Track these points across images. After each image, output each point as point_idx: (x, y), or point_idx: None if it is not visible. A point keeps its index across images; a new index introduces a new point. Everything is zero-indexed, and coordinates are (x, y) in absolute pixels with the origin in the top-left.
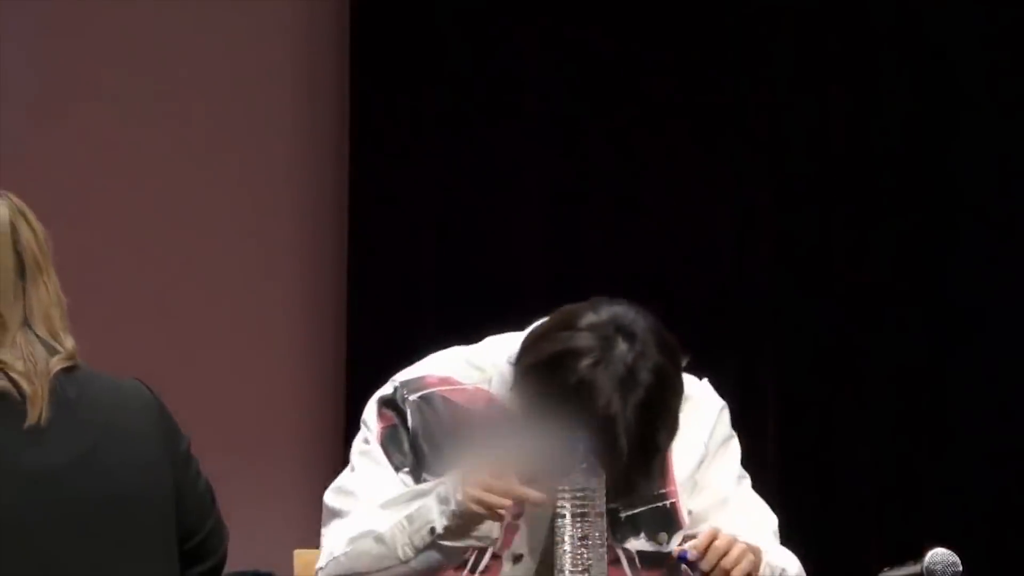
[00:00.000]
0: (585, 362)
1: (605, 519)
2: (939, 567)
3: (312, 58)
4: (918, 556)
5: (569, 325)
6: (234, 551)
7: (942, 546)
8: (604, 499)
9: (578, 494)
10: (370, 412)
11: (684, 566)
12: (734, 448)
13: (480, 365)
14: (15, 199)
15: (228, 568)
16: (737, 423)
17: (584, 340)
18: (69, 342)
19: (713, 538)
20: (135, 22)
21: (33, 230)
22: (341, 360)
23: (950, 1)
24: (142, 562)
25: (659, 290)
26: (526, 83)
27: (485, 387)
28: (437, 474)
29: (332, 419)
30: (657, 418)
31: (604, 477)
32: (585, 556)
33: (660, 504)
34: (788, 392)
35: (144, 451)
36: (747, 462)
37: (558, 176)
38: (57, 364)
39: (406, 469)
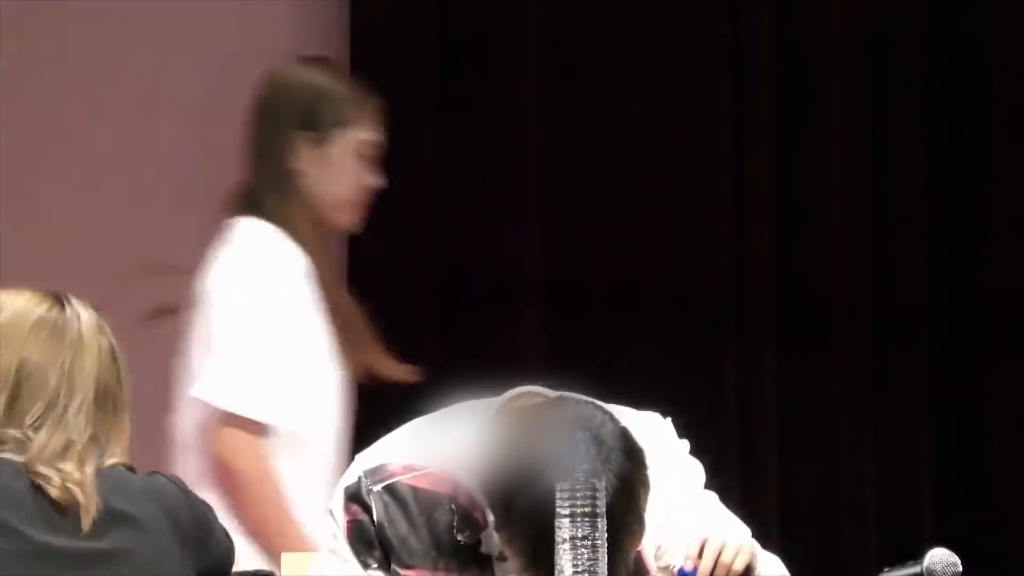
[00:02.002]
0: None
1: (605, 519)
2: (939, 567)
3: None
4: (918, 556)
5: (533, 435)
6: None
7: (942, 546)
8: (604, 499)
9: (578, 494)
10: (337, 504)
11: None
12: (696, 481)
13: (446, 445)
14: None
15: None
16: (736, 419)
17: (549, 451)
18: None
19: (704, 541)
20: (133, 20)
21: (115, 360)
22: None
23: None
24: None
25: (657, 285)
26: (526, 79)
27: (451, 469)
28: (406, 564)
29: None
30: (621, 524)
31: (605, 477)
32: (585, 556)
33: None
34: (788, 387)
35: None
36: (747, 458)
37: (558, 173)
38: (108, 462)
39: (375, 566)
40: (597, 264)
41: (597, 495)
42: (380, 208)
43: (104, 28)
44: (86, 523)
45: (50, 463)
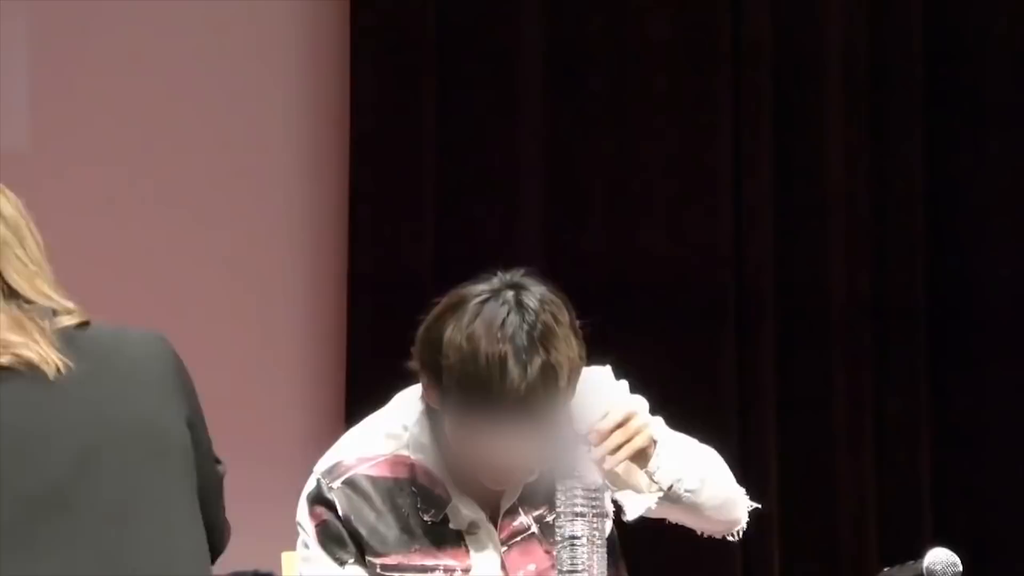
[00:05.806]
0: (478, 324)
1: (604, 519)
2: (939, 567)
3: (313, 58)
4: (918, 556)
5: (459, 299)
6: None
7: (942, 546)
8: (604, 499)
9: (578, 494)
10: (302, 513)
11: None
12: (641, 407)
13: (394, 432)
14: None
15: (224, 568)
16: (735, 417)
17: (473, 303)
18: (67, 302)
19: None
20: (135, 21)
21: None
22: (341, 360)
23: None
24: (171, 508)
25: (657, 283)
26: (526, 78)
27: (404, 452)
28: (378, 552)
29: (331, 420)
30: (552, 336)
31: (605, 479)
32: (585, 556)
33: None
34: (788, 387)
35: (163, 401)
36: (746, 457)
37: (557, 171)
38: (64, 321)
39: (351, 560)
40: (596, 262)
41: (597, 495)
42: (380, 207)
43: (104, 29)
44: (50, 372)
45: None
